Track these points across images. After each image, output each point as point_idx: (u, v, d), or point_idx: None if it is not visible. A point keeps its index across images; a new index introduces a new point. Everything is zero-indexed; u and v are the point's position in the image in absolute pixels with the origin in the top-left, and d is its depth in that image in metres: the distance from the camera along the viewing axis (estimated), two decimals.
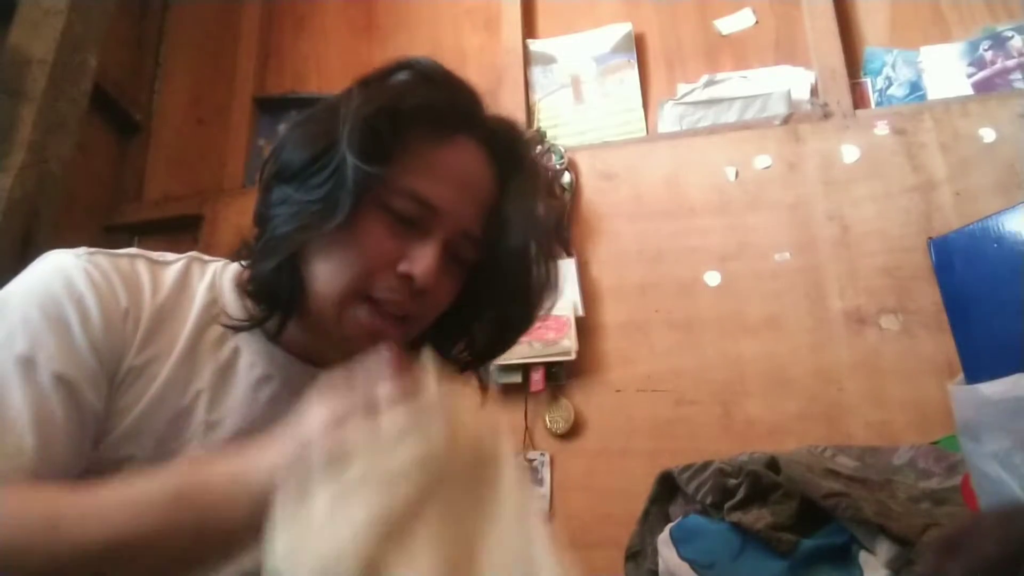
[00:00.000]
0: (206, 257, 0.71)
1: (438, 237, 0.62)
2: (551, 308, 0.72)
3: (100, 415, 0.59)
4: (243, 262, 0.67)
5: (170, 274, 0.66)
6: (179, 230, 2.02)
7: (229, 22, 2.23)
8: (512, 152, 0.68)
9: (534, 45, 1.97)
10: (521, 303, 0.69)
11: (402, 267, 0.61)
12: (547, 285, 0.69)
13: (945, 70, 1.68)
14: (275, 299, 0.64)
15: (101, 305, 0.60)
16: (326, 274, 0.62)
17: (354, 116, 0.60)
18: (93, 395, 0.58)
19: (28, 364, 0.56)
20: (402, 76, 0.65)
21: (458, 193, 0.64)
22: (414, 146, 0.63)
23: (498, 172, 0.67)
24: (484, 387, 0.75)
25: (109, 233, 2.07)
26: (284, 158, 0.64)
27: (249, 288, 0.66)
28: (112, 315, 0.60)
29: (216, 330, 0.65)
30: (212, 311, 0.66)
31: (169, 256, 0.68)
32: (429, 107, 0.63)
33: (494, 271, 0.66)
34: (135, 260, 0.65)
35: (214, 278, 0.69)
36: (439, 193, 0.62)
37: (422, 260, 0.61)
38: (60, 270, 0.61)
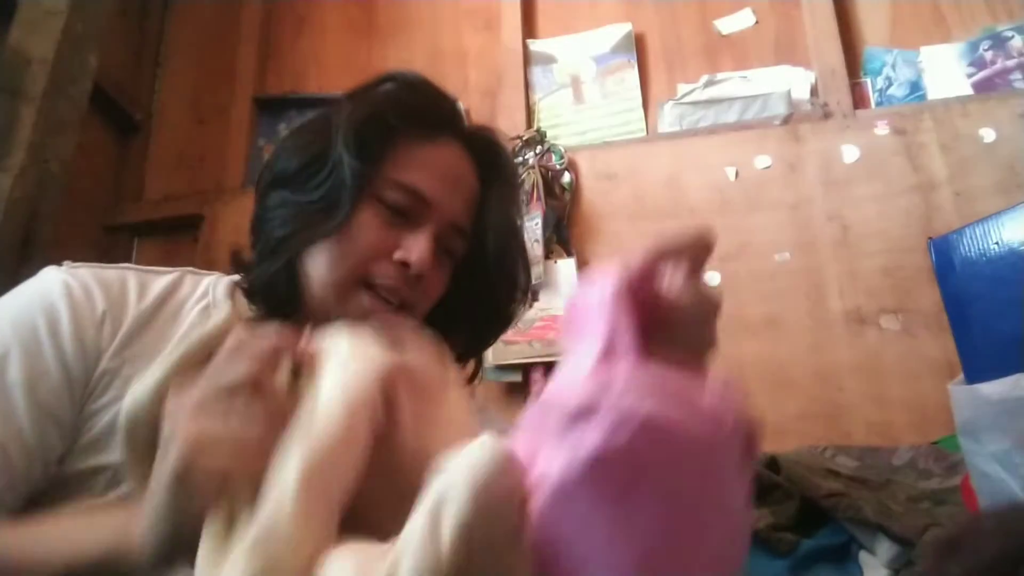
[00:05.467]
0: (201, 271, 0.73)
1: (430, 227, 0.66)
2: (524, 312, 0.77)
3: (67, 424, 0.60)
4: (239, 274, 0.69)
5: (160, 283, 0.68)
6: (179, 230, 2.02)
7: (229, 22, 2.23)
8: (492, 156, 0.73)
9: (534, 45, 1.97)
10: (502, 302, 0.74)
11: (398, 255, 0.64)
12: (524, 287, 0.75)
13: (945, 70, 1.68)
14: (274, 299, 0.66)
15: (73, 313, 0.61)
16: (326, 266, 0.64)
17: (347, 122, 0.65)
18: (58, 404, 0.59)
19: None
20: (388, 86, 0.69)
21: (445, 185, 0.67)
22: (403, 146, 0.67)
23: (480, 174, 0.71)
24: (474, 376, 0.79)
25: (109, 233, 2.07)
26: (280, 165, 0.67)
27: (248, 290, 0.67)
28: (84, 322, 0.61)
29: None
30: (204, 317, 0.67)
31: (162, 269, 0.71)
32: (414, 110, 0.68)
33: (477, 268, 0.71)
34: (124, 271, 0.68)
35: (208, 288, 0.70)
36: (428, 184, 0.66)
37: (416, 247, 0.64)
38: (40, 283, 0.63)
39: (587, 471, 0.34)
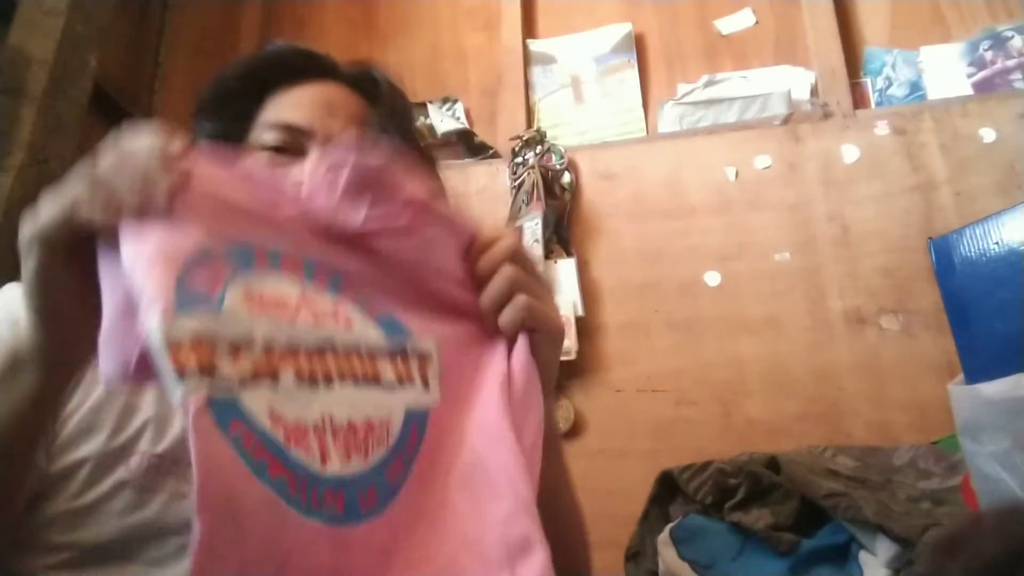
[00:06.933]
0: None
1: (314, 151, 0.66)
2: None
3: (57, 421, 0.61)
4: None
5: None
6: None
7: (229, 22, 2.23)
8: (372, 83, 0.73)
9: (534, 45, 1.97)
10: None
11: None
12: None
13: (945, 70, 1.68)
14: None
15: None
16: None
17: (203, 93, 0.69)
18: None
19: None
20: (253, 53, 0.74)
21: (317, 112, 0.68)
22: (269, 99, 0.69)
23: (367, 102, 0.72)
24: None
25: None
26: None
27: None
28: None
29: None
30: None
31: None
32: (278, 61, 0.71)
33: None
34: None
35: None
36: (299, 115, 0.67)
37: (302, 170, 0.64)
38: (12, 293, 0.63)
39: None
